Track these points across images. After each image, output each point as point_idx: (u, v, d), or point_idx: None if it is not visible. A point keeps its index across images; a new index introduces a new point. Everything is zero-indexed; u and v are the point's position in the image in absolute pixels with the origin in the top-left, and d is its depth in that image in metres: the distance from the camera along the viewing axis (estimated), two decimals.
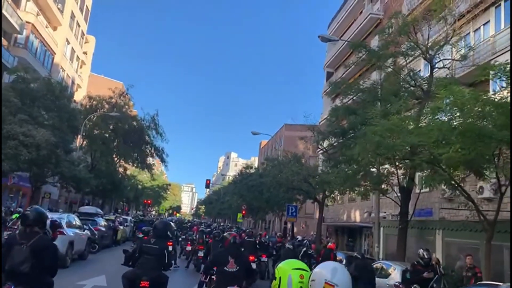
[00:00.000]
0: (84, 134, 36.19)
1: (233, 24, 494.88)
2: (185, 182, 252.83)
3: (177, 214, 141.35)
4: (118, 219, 24.25)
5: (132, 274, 6.31)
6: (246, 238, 15.18)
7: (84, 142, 38.89)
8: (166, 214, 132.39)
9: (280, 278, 3.43)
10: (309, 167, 25.14)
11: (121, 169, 57.84)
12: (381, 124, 10.47)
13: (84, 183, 28.75)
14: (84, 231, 14.90)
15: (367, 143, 10.24)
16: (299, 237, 28.82)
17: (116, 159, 43.74)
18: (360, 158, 11.29)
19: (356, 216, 34.80)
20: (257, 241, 20.27)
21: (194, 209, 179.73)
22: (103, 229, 19.41)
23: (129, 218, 29.26)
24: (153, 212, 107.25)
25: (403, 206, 14.15)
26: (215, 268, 6.44)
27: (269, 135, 41.94)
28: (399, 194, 14.88)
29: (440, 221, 17.26)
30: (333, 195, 24.37)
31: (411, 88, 14.37)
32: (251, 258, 11.68)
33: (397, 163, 13.17)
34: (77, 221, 14.64)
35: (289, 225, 40.93)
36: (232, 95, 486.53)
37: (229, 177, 58.47)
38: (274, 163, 29.80)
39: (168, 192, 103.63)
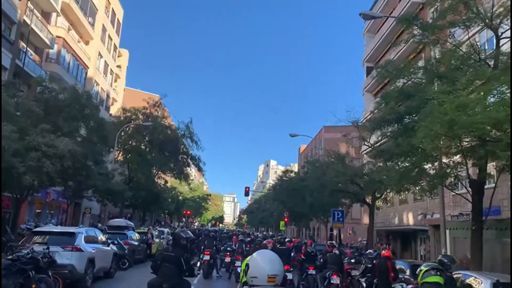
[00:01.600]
0: (119, 146, 35.58)
1: (265, 30, 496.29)
2: (226, 192, 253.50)
3: (220, 225, 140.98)
4: (152, 232, 22.91)
5: (155, 281, 6.63)
6: (278, 245, 14.14)
7: (120, 155, 38.36)
8: (209, 225, 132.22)
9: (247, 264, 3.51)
10: (354, 167, 22.86)
11: (160, 181, 57.60)
12: (450, 101, 8.32)
13: (119, 196, 27.76)
14: (109, 246, 13.38)
15: (434, 124, 8.10)
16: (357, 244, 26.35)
17: (154, 170, 43.04)
18: (423, 145, 9.13)
19: (409, 219, 31.94)
20: (292, 248, 18.52)
21: (236, 219, 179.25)
22: (135, 243, 18.04)
23: (166, 230, 27.92)
24: (196, 224, 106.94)
25: (476, 203, 11.75)
26: None
27: (308, 136, 40.03)
28: (467, 189, 12.46)
29: None
30: (385, 196, 21.97)
31: (476, 63, 12.01)
32: (285, 267, 10.78)
33: (467, 152, 10.85)
34: (100, 236, 13.17)
35: (335, 232, 38.49)
36: (269, 101, 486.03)
37: (269, 185, 56.57)
38: (315, 165, 27.70)
39: (210, 203, 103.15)
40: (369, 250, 13.52)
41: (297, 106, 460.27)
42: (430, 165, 13.79)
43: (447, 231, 16.41)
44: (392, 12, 37.11)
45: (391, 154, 12.67)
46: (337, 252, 12.51)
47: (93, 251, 11.60)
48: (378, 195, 21.21)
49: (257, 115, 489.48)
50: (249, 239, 22.12)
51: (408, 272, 11.38)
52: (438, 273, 5.00)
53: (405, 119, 11.93)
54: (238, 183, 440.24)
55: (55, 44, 33.35)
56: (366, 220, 50.23)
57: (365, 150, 34.73)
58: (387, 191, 19.92)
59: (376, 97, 41.39)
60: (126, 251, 15.72)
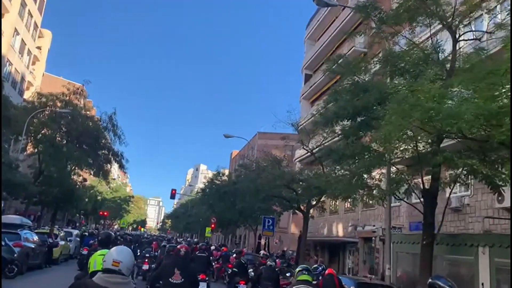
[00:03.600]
0: (30, 134, 31.32)
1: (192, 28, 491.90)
2: (151, 195, 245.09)
3: (142, 229, 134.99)
4: (56, 233, 19.65)
5: (82, 276, 6.15)
6: (197, 253, 13.52)
7: (30, 145, 33.93)
8: (130, 228, 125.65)
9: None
10: (291, 172, 21.46)
11: (78, 178, 52.63)
12: (424, 90, 6.93)
13: (21, 190, 23.95)
14: None
15: (407, 114, 6.66)
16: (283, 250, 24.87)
17: (70, 165, 38.81)
18: (391, 138, 7.67)
19: (339, 230, 31.31)
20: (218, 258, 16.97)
21: (160, 224, 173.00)
22: (31, 245, 14.93)
23: (75, 231, 24.46)
24: (116, 226, 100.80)
25: (428, 215, 10.60)
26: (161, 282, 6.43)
27: (244, 138, 38.29)
28: (420, 200, 11.34)
29: (484, 235, 13.67)
30: (321, 204, 20.78)
31: (435, 63, 10.97)
32: (201, 276, 11.13)
33: (422, 156, 9.64)
34: None
35: (263, 241, 37.03)
36: (202, 104, 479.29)
37: (198, 189, 54.02)
38: (251, 168, 26.02)
39: (132, 205, 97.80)
40: (314, 265, 11.96)
41: (232, 110, 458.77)
42: (378, 171, 12.57)
43: (391, 245, 15.27)
44: (335, 20, 36.89)
45: (341, 155, 11.25)
46: (272, 264, 10.72)
47: None
48: (314, 203, 19.92)
49: (188, 116, 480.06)
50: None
51: None
52: (306, 272, 5.93)
53: (360, 116, 10.56)
54: (164, 187, 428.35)
55: None
56: (293, 229, 49.47)
57: (298, 158, 33.89)
58: (325, 197, 18.74)
59: (313, 105, 41.00)
60: (16, 255, 12.72)
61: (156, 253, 18.57)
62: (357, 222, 28.38)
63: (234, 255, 20.07)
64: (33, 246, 15.10)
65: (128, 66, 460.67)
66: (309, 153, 28.32)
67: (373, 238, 25.71)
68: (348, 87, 10.98)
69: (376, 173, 11.83)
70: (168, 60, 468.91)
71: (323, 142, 20.21)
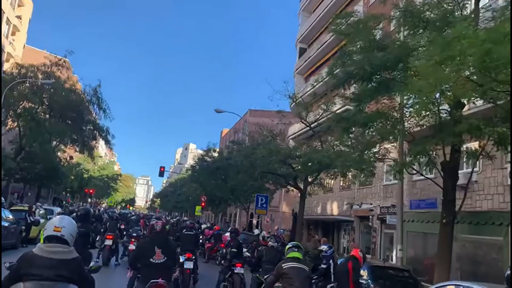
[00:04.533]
0: (9, 108, 29.44)
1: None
2: (140, 174, 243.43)
3: (131, 208, 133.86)
4: (36, 210, 18.20)
5: None
6: (184, 231, 12.86)
7: (10, 119, 32.07)
8: (119, 207, 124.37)
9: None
10: (289, 147, 20.14)
11: (63, 155, 50.81)
12: (468, 34, 5.60)
13: None
14: None
15: (452, 61, 5.34)
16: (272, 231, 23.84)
17: (53, 141, 37.09)
18: (425, 96, 6.37)
19: (334, 209, 30.35)
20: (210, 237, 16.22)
21: (149, 203, 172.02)
22: (5, 223, 13.51)
23: (56, 209, 22.99)
24: (104, 205, 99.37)
25: (448, 190, 9.42)
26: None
27: (236, 114, 36.82)
28: (440, 174, 10.10)
29: None
30: (320, 181, 19.62)
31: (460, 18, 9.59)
32: (187, 255, 11.06)
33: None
34: None
35: (255, 220, 36.03)
36: (192, 80, 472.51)
37: (187, 169, 52.59)
38: (244, 143, 24.67)
39: (120, 184, 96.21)
40: (322, 246, 10.72)
41: (223, 87, 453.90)
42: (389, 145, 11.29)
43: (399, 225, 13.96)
44: None
45: (352, 123, 9.91)
46: (274, 245, 9.51)
47: None
48: (310, 180, 18.72)
49: (177, 93, 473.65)
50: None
51: (366, 275, 8.75)
52: (297, 249, 5.67)
53: (377, 76, 9.16)
54: (153, 166, 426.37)
55: None
56: (284, 207, 48.63)
57: (291, 135, 32.57)
58: (325, 174, 17.54)
59: (307, 80, 39.55)
60: None
61: (143, 232, 17.62)
62: (353, 201, 27.40)
63: (227, 234, 18.93)
64: (6, 225, 13.69)
65: (117, 38, 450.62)
66: (303, 130, 27.09)
67: (370, 217, 24.76)
68: (361, 45, 9.53)
69: (389, 146, 10.59)
70: (156, 30, 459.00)
71: (322, 115, 18.92)
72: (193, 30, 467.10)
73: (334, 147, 16.69)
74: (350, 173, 17.44)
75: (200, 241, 18.48)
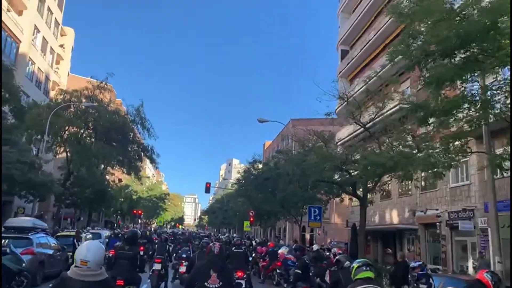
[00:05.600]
0: (54, 133, 29.68)
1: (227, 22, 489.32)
2: (187, 193, 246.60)
3: (180, 226, 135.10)
4: (83, 234, 17.56)
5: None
6: (233, 249, 12.62)
7: (57, 145, 32.36)
8: (168, 226, 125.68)
9: None
10: (343, 151, 18.47)
11: (111, 177, 51.37)
12: None
13: (45, 190, 22.17)
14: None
15: None
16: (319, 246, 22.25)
17: (100, 164, 37.30)
18: None
19: (393, 217, 28.13)
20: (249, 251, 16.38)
21: (197, 220, 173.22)
22: (48, 251, 12.78)
23: (104, 232, 22.33)
24: (154, 225, 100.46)
25: None
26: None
27: (280, 122, 35.32)
28: None
29: None
30: (381, 186, 17.82)
31: None
32: (239, 274, 10.88)
33: None
34: None
35: (308, 234, 34.24)
36: (229, 95, 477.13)
37: (234, 181, 51.44)
38: (290, 152, 23.20)
39: (168, 203, 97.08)
40: (413, 264, 8.98)
41: (262, 100, 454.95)
42: None
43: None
44: None
45: (432, 111, 8.25)
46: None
47: None
48: (371, 185, 16.93)
49: (217, 109, 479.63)
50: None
51: None
52: (368, 268, 4.69)
53: (464, 50, 7.45)
54: (199, 184, 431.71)
55: None
56: (336, 219, 46.38)
57: (340, 141, 30.71)
58: (389, 178, 15.78)
59: (352, 83, 37.69)
60: (24, 265, 10.53)
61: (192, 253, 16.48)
62: (416, 207, 25.17)
63: (282, 250, 17.44)
64: (50, 252, 12.96)
65: (154, 60, 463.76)
66: (355, 132, 25.24)
67: (438, 224, 22.47)
68: (434, 19, 7.82)
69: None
70: (191, 48, 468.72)
71: (378, 113, 17.21)
72: (226, 45, 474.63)
73: (395, 148, 14.95)
74: (416, 176, 15.58)
75: (251, 258, 17.17)
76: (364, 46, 33.12)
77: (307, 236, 32.09)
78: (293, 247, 13.21)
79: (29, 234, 12.01)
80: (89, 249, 3.58)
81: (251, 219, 38.89)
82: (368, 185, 17.26)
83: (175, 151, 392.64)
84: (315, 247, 14.12)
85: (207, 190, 40.73)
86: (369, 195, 17.43)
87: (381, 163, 12.98)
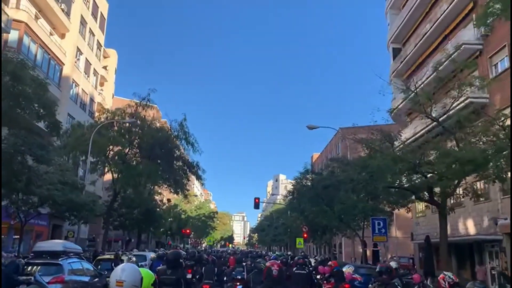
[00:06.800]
0: (97, 153, 28.94)
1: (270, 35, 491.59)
2: (235, 212, 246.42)
3: (230, 245, 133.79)
4: (125, 257, 15.98)
5: None
6: (294, 270, 10.79)
7: (103, 166, 31.67)
8: (218, 245, 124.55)
9: None
10: (415, 151, 15.84)
11: (159, 197, 50.72)
12: None
13: (87, 211, 21.03)
14: None
15: None
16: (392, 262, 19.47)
17: (146, 183, 36.40)
18: None
19: (469, 227, 24.76)
20: (329, 276, 13.49)
21: (247, 238, 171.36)
22: (83, 278, 11.17)
23: (150, 254, 20.67)
24: (204, 244, 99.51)
25: None
26: None
27: (333, 128, 32.89)
28: None
29: None
30: (467, 189, 15.09)
31: None
32: None
33: None
34: None
35: (369, 250, 31.25)
36: (269, 111, 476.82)
37: (283, 197, 49.01)
38: (346, 158, 20.80)
39: (217, 222, 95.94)
40: None
41: (306, 111, 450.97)
42: None
43: None
44: None
45: None
46: None
47: None
48: (450, 190, 14.22)
49: (260, 126, 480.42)
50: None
51: None
52: None
53: None
54: (247, 202, 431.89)
55: (15, 30, 27.16)
56: (394, 232, 42.85)
57: (406, 140, 27.77)
58: (477, 177, 13.17)
59: (407, 82, 34.69)
60: None
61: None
62: (498, 214, 21.85)
63: (346, 269, 14.99)
64: (85, 280, 11.35)
65: (197, 78, 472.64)
66: (424, 129, 22.39)
67: None
68: None
69: None
70: (232, 66, 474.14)
71: (453, 104, 14.63)
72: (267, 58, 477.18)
73: (477, 142, 12.37)
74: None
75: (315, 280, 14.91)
76: (420, 40, 30.32)
77: (368, 252, 29.12)
78: (378, 268, 10.85)
79: (60, 259, 10.48)
80: (124, 270, 3.45)
81: (305, 235, 36.39)
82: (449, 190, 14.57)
83: (219, 165, 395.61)
84: (393, 264, 11.65)
85: (256, 205, 38.75)
86: (449, 201, 14.69)
87: (470, 159, 10.45)
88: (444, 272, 6.31)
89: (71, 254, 11.35)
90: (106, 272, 12.95)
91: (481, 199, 22.61)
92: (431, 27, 28.67)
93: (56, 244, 11.32)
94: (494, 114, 13.93)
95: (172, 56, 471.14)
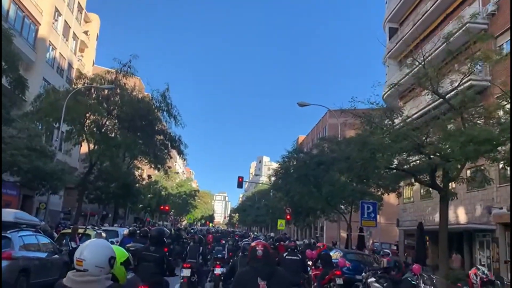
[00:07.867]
0: (72, 120, 27.00)
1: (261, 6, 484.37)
2: (217, 191, 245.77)
3: (210, 224, 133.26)
4: (91, 232, 14.36)
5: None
6: (285, 255, 9.65)
7: (77, 134, 29.75)
8: (199, 224, 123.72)
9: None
10: (422, 129, 14.49)
11: (138, 172, 48.95)
12: None
13: (55, 181, 19.31)
14: None
15: None
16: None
17: (124, 156, 34.68)
18: None
19: (460, 216, 23.86)
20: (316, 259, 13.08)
21: (227, 218, 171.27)
22: (38, 254, 9.60)
23: (123, 230, 19.07)
24: (184, 222, 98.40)
25: None
26: None
27: (324, 106, 31.31)
28: None
29: None
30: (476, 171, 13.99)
31: None
32: None
33: None
34: None
35: (352, 233, 30.25)
36: (260, 91, 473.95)
37: (269, 176, 47.68)
38: (336, 137, 19.43)
39: (198, 200, 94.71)
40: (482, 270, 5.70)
41: (294, 88, 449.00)
42: None
43: None
44: None
45: None
46: None
47: None
48: (451, 174, 13.00)
49: (245, 105, 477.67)
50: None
51: None
52: None
53: None
54: (228, 182, 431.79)
55: None
56: (378, 218, 42.15)
57: (399, 123, 26.56)
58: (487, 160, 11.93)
59: (403, 63, 33.44)
60: None
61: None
62: (492, 203, 20.95)
63: (334, 253, 13.76)
64: (42, 256, 9.81)
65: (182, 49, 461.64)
66: (425, 109, 21.12)
67: None
68: None
69: None
70: (223, 39, 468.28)
71: (463, 80, 13.31)
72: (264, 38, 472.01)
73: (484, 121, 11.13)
74: None
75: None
76: (418, 20, 28.91)
77: (353, 236, 28.14)
78: (381, 253, 9.56)
79: (9, 231, 8.90)
80: (88, 246, 2.82)
81: (288, 216, 35.33)
82: (450, 174, 13.35)
83: (202, 145, 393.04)
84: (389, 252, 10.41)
85: (240, 184, 37.48)
86: (452, 186, 13.53)
87: (487, 138, 9.15)
88: (478, 266, 5.05)
89: (24, 226, 9.76)
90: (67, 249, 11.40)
91: (486, 185, 21.63)
92: (432, 5, 27.25)
93: (7, 214, 9.66)
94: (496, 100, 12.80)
95: (161, 28, 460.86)
